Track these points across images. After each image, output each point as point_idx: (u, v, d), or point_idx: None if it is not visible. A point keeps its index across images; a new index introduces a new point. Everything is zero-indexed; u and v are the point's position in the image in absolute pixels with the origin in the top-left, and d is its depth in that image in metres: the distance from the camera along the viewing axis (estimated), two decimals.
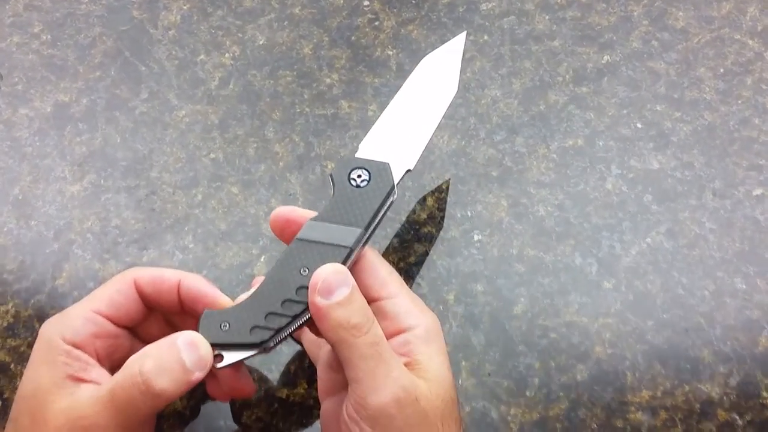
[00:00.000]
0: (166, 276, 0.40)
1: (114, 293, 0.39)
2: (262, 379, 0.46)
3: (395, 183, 0.40)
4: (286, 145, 0.54)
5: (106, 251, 0.51)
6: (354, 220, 0.38)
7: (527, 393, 0.45)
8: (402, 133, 0.43)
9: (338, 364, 0.37)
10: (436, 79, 0.46)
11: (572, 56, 0.57)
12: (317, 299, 0.35)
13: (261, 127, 0.55)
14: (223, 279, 0.50)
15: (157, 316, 0.43)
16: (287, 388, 0.46)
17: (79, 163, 0.54)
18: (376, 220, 0.39)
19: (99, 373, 0.37)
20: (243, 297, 0.38)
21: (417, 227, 0.51)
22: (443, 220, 0.50)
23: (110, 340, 0.39)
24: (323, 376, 0.40)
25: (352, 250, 0.37)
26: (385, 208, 0.39)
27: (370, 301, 0.37)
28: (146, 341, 0.39)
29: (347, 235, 0.37)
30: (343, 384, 0.38)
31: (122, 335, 0.40)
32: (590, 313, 0.47)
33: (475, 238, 0.50)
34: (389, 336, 0.37)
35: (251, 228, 0.51)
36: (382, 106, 0.55)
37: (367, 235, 0.38)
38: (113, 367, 0.38)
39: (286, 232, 0.40)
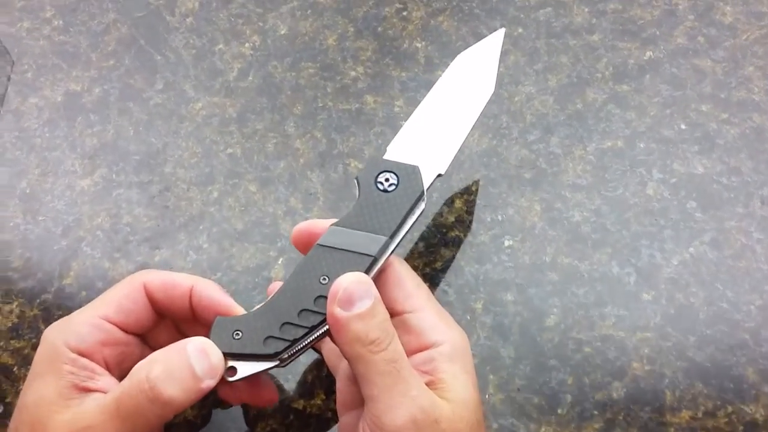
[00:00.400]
0: (177, 281, 0.39)
1: (123, 298, 0.38)
2: (278, 388, 0.46)
3: (425, 188, 0.38)
4: (308, 141, 0.53)
5: (117, 250, 0.50)
6: (379, 227, 0.37)
7: (559, 410, 0.44)
8: (433, 134, 0.42)
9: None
10: (471, 77, 0.44)
11: (612, 51, 0.55)
12: (336, 310, 0.34)
13: (281, 121, 0.54)
14: (239, 282, 0.49)
15: (168, 323, 0.42)
16: (304, 399, 0.45)
17: (89, 156, 0.53)
18: (404, 228, 0.38)
19: (107, 381, 0.37)
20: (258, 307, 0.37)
21: (444, 231, 0.49)
22: (472, 224, 0.49)
23: (119, 348, 0.38)
24: (343, 389, 0.39)
25: (376, 260, 0.36)
26: (414, 215, 0.38)
27: (394, 314, 0.37)
28: (157, 349, 0.38)
29: (372, 243, 0.36)
30: (361, 400, 0.37)
31: (132, 343, 0.39)
32: (628, 326, 0.46)
33: (506, 243, 0.49)
34: (412, 352, 0.36)
35: (269, 228, 0.50)
36: (410, 102, 0.54)
37: (394, 244, 0.37)
38: (123, 377, 0.37)
39: (309, 247, 0.38)
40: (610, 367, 0.45)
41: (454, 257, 0.48)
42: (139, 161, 0.53)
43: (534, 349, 0.46)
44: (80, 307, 0.39)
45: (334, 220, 0.38)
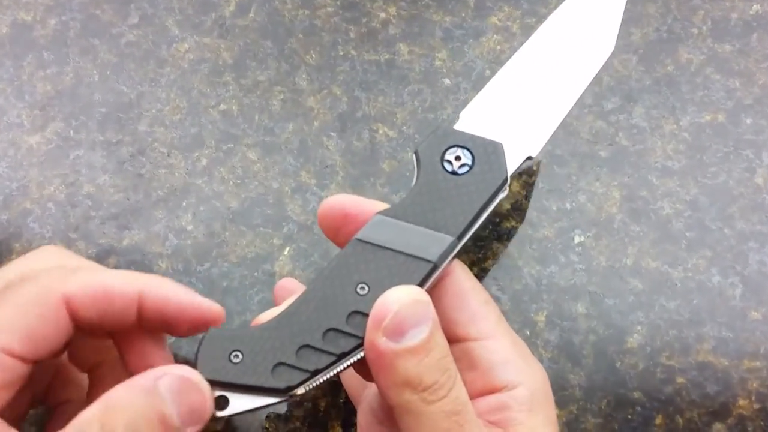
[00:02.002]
0: (116, 290, 0.33)
1: (33, 321, 0.32)
2: (281, 417, 0.43)
3: (509, 174, 0.36)
4: (324, 99, 0.50)
5: (74, 229, 0.47)
6: (444, 222, 0.34)
7: None
8: (525, 102, 0.39)
9: (387, 413, 0.35)
10: (583, 30, 0.41)
11: (711, 2, 0.52)
12: (380, 340, 0.30)
13: (290, 72, 0.51)
14: (232, 276, 0.46)
15: None
16: None
17: (41, 106, 0.51)
18: (476, 226, 0.35)
19: None
20: (267, 316, 0.34)
21: (497, 220, 0.47)
22: (532, 214, 0.47)
23: (17, 385, 0.32)
24: (367, 425, 0.36)
25: (436, 267, 0.33)
26: (490, 209, 0.35)
27: (453, 340, 0.34)
28: (76, 358, 0.36)
29: (432, 243, 0.33)
30: None
31: (30, 373, 0.33)
32: (732, 352, 0.44)
33: (576, 240, 0.46)
34: (476, 395, 0.34)
35: (273, 208, 0.47)
36: (455, 55, 0.51)
37: (460, 246, 0.34)
38: (15, 416, 0.34)
39: (342, 233, 0.36)
40: (709, 404, 0.43)
41: (509, 255, 0.46)
42: (105, 115, 0.50)
43: (612, 377, 0.43)
44: None
45: (381, 205, 0.35)
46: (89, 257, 0.46)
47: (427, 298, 0.31)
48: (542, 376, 0.35)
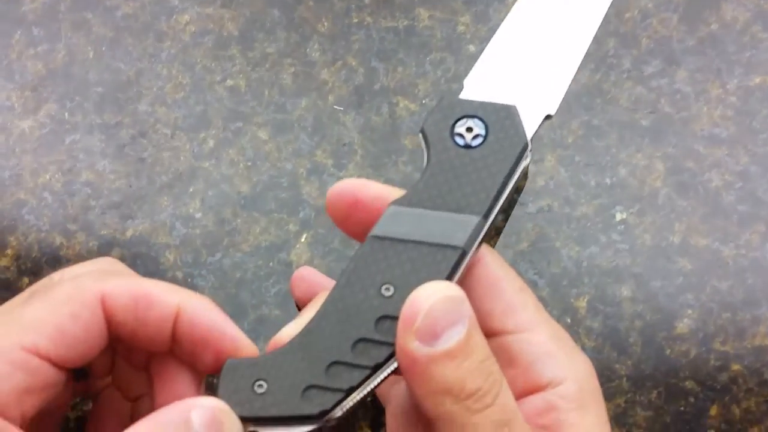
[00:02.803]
0: (157, 297, 0.33)
1: (67, 320, 0.32)
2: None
3: (529, 138, 0.34)
4: (338, 72, 0.49)
5: (72, 220, 0.47)
6: (466, 202, 0.33)
7: None
8: (532, 58, 0.38)
9: (420, 415, 0.33)
10: None
11: None
12: (412, 345, 0.29)
13: (301, 43, 0.50)
14: (246, 267, 0.45)
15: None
16: None
17: (32, 87, 0.50)
18: (501, 201, 0.33)
19: None
20: (286, 334, 0.33)
21: (530, 198, 0.46)
22: (569, 190, 0.46)
23: (47, 392, 0.32)
24: (395, 427, 0.36)
25: (464, 253, 0.32)
26: (514, 178, 0.34)
27: (487, 335, 0.33)
28: (121, 384, 0.36)
29: (456, 227, 0.32)
30: None
31: (62, 381, 0.33)
32: None
33: (618, 217, 0.45)
34: (518, 395, 0.33)
35: (287, 192, 0.47)
36: (479, 19, 0.50)
37: (487, 225, 0.33)
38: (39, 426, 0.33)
39: (353, 221, 0.35)
40: None
41: (545, 236, 0.45)
42: (102, 95, 0.50)
43: (662, 366, 0.43)
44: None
45: (393, 190, 0.34)
46: (90, 250, 0.46)
47: (460, 292, 0.30)
48: (588, 368, 0.34)
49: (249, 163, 0.47)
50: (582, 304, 0.44)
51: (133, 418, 0.36)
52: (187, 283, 0.44)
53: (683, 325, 0.43)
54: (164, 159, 0.48)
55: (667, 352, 0.42)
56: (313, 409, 0.30)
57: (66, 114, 0.49)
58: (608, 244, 0.44)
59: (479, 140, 0.34)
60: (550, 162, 0.46)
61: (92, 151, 0.48)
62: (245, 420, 0.30)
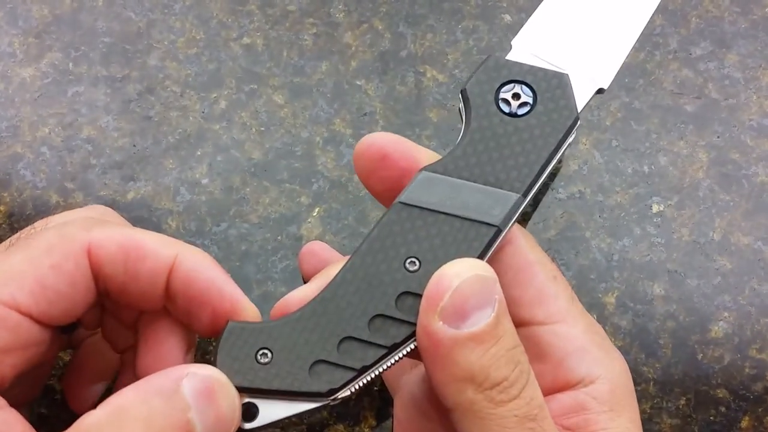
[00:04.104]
0: (150, 248, 0.32)
1: (48, 272, 0.31)
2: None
3: (580, 110, 0.33)
4: (363, 35, 0.49)
5: (71, 178, 0.47)
6: (506, 176, 0.32)
7: None
8: (588, 23, 0.37)
9: (433, 406, 0.33)
10: None
11: None
12: (436, 325, 0.29)
13: (325, 1, 0.50)
14: (253, 238, 0.45)
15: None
16: (345, 425, 0.42)
17: (36, 34, 0.50)
18: (542, 178, 0.32)
19: (2, 417, 0.30)
20: (295, 298, 0.32)
21: (561, 183, 0.45)
22: (603, 176, 0.45)
23: (29, 351, 0.31)
24: (405, 418, 0.35)
25: (499, 232, 0.31)
26: (559, 155, 0.33)
27: (515, 324, 0.32)
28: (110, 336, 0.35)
29: (493, 203, 0.31)
30: None
31: (47, 340, 0.32)
32: None
33: (654, 209, 0.45)
34: (546, 391, 0.32)
35: (301, 161, 0.47)
36: None
37: (525, 203, 0.32)
38: (24, 396, 0.33)
39: (377, 178, 0.34)
40: None
41: (574, 224, 0.44)
42: (109, 46, 0.50)
43: (693, 371, 0.43)
44: None
45: (428, 153, 0.33)
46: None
47: (493, 273, 0.29)
48: (624, 367, 0.33)
49: (262, 128, 0.47)
50: (610, 300, 0.43)
51: (121, 369, 0.36)
52: None
53: (718, 329, 0.43)
54: (172, 118, 0.47)
55: (699, 356, 0.42)
56: (321, 387, 0.30)
57: (70, 64, 0.49)
58: (642, 237, 0.44)
59: (526, 109, 0.33)
60: (585, 145, 0.45)
61: (96, 106, 0.48)
62: (244, 390, 0.30)
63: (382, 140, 0.34)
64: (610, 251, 0.44)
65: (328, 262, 0.37)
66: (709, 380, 0.42)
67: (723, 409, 0.41)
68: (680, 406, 0.41)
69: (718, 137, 0.46)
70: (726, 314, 0.43)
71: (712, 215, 0.44)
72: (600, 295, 0.43)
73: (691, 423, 0.41)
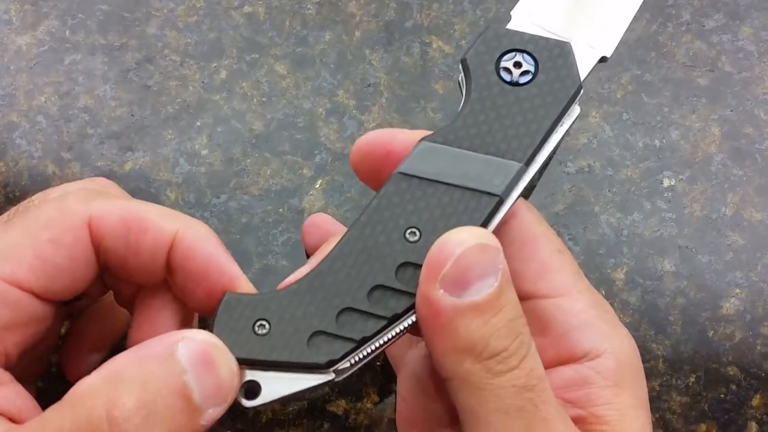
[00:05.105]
0: (151, 221, 0.32)
1: (47, 246, 0.30)
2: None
3: (582, 78, 0.33)
4: (368, 5, 0.49)
5: (67, 148, 0.46)
6: (507, 145, 0.32)
7: None
8: None
9: (436, 382, 0.34)
10: None
11: None
12: (436, 294, 0.29)
13: None
14: (254, 211, 0.44)
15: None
16: (346, 401, 0.42)
17: (32, 1, 0.50)
18: (546, 149, 0.32)
19: (6, 393, 0.30)
20: (297, 276, 0.32)
21: (570, 156, 0.45)
22: (613, 150, 0.45)
23: (32, 327, 0.31)
24: (410, 396, 0.35)
25: (501, 202, 0.31)
26: (565, 125, 0.33)
27: (520, 298, 0.32)
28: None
29: (494, 172, 0.31)
30: (443, 418, 0.34)
31: (49, 315, 0.32)
32: None
33: (665, 183, 0.45)
34: (548, 364, 0.32)
35: (303, 133, 0.46)
36: None
37: (530, 175, 0.32)
38: (26, 371, 0.33)
39: (385, 176, 0.33)
40: None
41: (583, 199, 0.44)
42: (107, 13, 0.49)
43: (703, 348, 0.43)
44: None
45: (425, 132, 0.33)
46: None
47: (496, 242, 0.29)
48: (630, 343, 0.33)
49: (263, 99, 0.47)
50: (619, 275, 0.43)
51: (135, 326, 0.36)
52: None
53: (729, 306, 0.42)
54: (171, 88, 0.47)
55: (710, 333, 0.42)
56: (320, 358, 0.30)
57: (67, 32, 0.48)
58: (653, 212, 0.44)
59: (527, 77, 0.33)
60: (595, 118, 0.45)
61: (93, 75, 0.48)
62: (242, 362, 0.30)
63: (385, 137, 0.34)
64: (619, 226, 0.44)
65: (331, 235, 0.37)
66: (719, 358, 0.42)
67: (734, 387, 0.41)
68: (690, 384, 0.41)
69: (731, 111, 0.45)
70: (737, 291, 0.42)
71: (724, 190, 0.44)
72: (609, 271, 0.43)
73: (700, 401, 0.41)
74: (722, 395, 0.41)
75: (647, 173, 0.44)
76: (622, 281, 0.43)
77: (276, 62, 0.47)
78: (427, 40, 0.47)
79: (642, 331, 0.42)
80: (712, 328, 0.42)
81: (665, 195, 0.44)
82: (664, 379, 0.41)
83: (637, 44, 0.47)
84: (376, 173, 0.34)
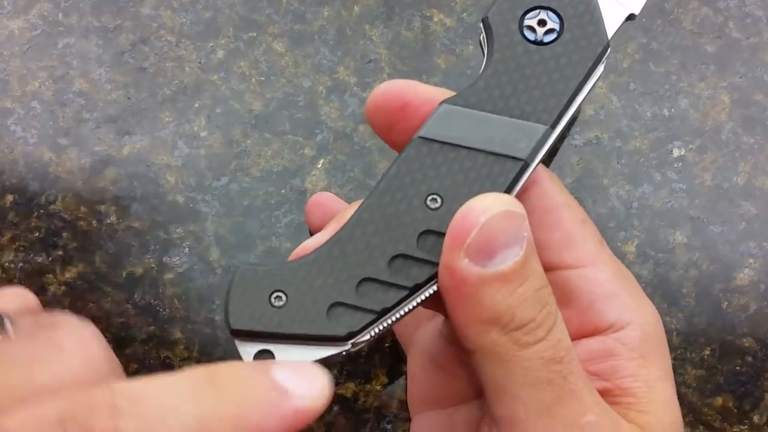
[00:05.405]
0: None
1: None
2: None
3: (610, 37, 0.32)
4: None
5: (64, 133, 0.46)
6: (532, 107, 0.31)
7: (754, 417, 0.42)
8: None
9: (451, 359, 0.34)
10: None
11: None
12: (461, 263, 0.28)
13: None
14: (255, 194, 0.44)
15: None
16: (355, 383, 0.42)
17: None
18: (571, 110, 0.31)
19: None
20: (310, 243, 0.31)
21: (577, 128, 0.45)
22: (621, 121, 0.45)
23: None
24: (420, 374, 0.36)
25: (526, 166, 0.30)
26: (590, 84, 0.32)
27: (543, 268, 0.32)
28: None
29: (519, 135, 0.31)
30: (458, 395, 0.34)
31: None
32: None
33: (675, 153, 0.44)
34: (573, 336, 0.31)
35: (304, 112, 0.46)
36: None
37: (554, 137, 0.31)
38: None
39: (399, 130, 0.33)
40: None
41: (591, 171, 0.44)
42: None
43: (717, 321, 0.43)
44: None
45: (445, 90, 0.33)
46: (82, 167, 0.45)
47: (522, 209, 0.28)
48: (654, 314, 0.33)
49: (262, 78, 0.46)
50: (630, 249, 0.43)
51: None
52: (189, 208, 0.43)
53: (743, 276, 0.42)
54: (167, 69, 0.46)
55: (724, 305, 0.42)
56: (340, 330, 0.29)
57: (60, 15, 0.47)
58: (663, 183, 0.43)
59: (552, 36, 0.32)
60: (601, 89, 0.44)
61: (88, 58, 0.47)
62: (258, 336, 0.29)
63: (399, 88, 0.33)
64: (629, 198, 0.43)
65: (335, 214, 0.37)
66: (734, 329, 0.42)
67: (749, 359, 0.41)
68: (705, 357, 0.41)
69: (741, 78, 0.45)
70: (751, 261, 0.42)
71: (735, 159, 0.44)
72: (619, 244, 0.43)
73: (716, 374, 0.41)
74: (738, 367, 0.41)
75: (656, 144, 0.44)
76: (633, 254, 0.42)
77: (274, 40, 0.46)
78: (428, 14, 0.46)
79: (655, 304, 0.39)
80: (726, 300, 0.42)
81: (675, 165, 0.44)
82: (679, 352, 0.41)
83: (642, 11, 0.44)
84: (390, 126, 0.33)
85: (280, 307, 0.29)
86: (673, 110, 0.44)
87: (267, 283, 0.30)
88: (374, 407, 0.41)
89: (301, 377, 0.27)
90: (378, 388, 0.41)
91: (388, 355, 0.41)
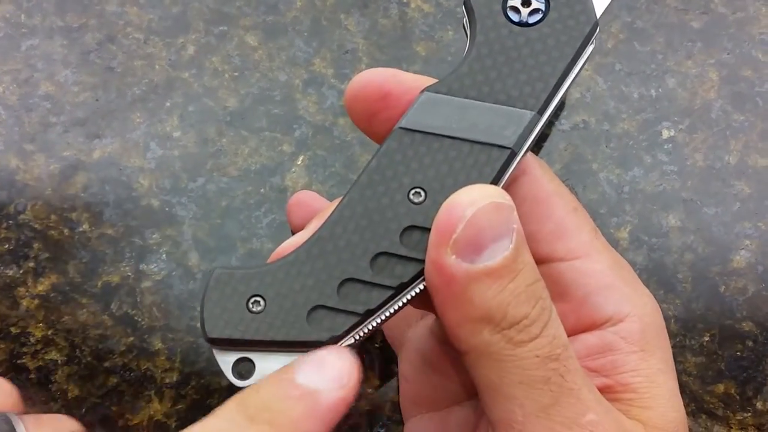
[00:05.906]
0: None
1: None
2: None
3: (599, 15, 0.32)
4: None
5: (30, 139, 0.46)
6: (518, 92, 0.30)
7: (757, 404, 0.41)
8: None
9: (443, 359, 0.34)
10: None
11: None
12: (448, 260, 0.27)
13: None
14: (234, 193, 0.44)
15: None
16: None
17: None
18: (559, 95, 0.31)
19: None
20: (291, 243, 0.31)
21: (564, 113, 0.45)
22: (608, 104, 0.44)
23: None
24: (412, 374, 0.36)
25: (513, 155, 0.30)
26: (578, 67, 0.31)
27: (535, 261, 0.31)
28: None
29: (505, 122, 0.30)
30: (451, 395, 0.34)
31: None
32: None
33: (665, 134, 0.44)
34: (569, 332, 0.31)
35: (280, 107, 0.46)
36: None
37: (542, 124, 0.30)
38: None
39: (380, 120, 0.32)
40: None
41: (580, 156, 0.43)
42: None
43: (716, 305, 0.42)
44: None
45: (427, 78, 0.32)
46: (51, 174, 0.44)
47: (510, 200, 0.28)
48: (653, 303, 0.32)
49: (236, 74, 0.46)
50: (623, 234, 0.42)
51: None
52: (165, 212, 0.42)
53: (740, 258, 0.42)
54: (136, 68, 0.46)
55: (722, 289, 0.42)
56: (322, 335, 0.28)
57: (22, 16, 0.47)
58: (654, 165, 0.43)
59: (538, 16, 0.31)
60: (587, 71, 0.44)
61: (53, 59, 0.46)
62: (236, 344, 0.29)
63: (379, 77, 0.32)
64: (619, 183, 0.43)
65: (318, 212, 0.36)
66: (733, 314, 0.41)
67: (750, 343, 0.41)
68: (704, 343, 0.41)
69: (728, 54, 0.45)
70: (747, 242, 0.42)
71: (726, 137, 0.44)
72: (612, 231, 0.42)
73: (716, 360, 0.41)
74: (739, 352, 0.41)
75: (645, 125, 0.44)
76: (627, 240, 0.42)
77: (246, 33, 0.46)
78: (405, 0, 0.45)
79: (651, 291, 0.38)
80: (723, 283, 0.42)
81: (665, 147, 0.43)
82: (678, 339, 0.41)
83: None
84: (370, 117, 0.33)
85: (258, 313, 0.29)
86: (660, 90, 0.44)
87: (244, 287, 0.29)
88: (366, 410, 0.41)
89: (326, 371, 0.28)
90: (370, 390, 0.41)
91: (378, 356, 0.41)
